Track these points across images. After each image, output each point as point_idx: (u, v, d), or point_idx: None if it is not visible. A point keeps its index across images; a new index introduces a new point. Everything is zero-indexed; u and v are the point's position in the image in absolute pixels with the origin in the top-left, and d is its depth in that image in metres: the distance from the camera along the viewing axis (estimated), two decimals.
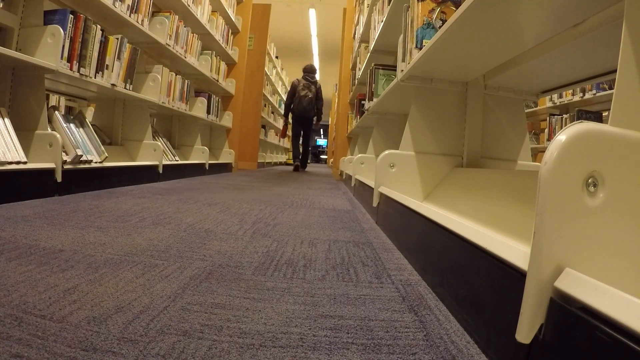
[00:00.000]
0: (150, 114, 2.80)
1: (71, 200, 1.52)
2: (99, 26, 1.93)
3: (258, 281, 0.75)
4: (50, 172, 1.57)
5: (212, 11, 3.76)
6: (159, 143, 2.65)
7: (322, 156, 19.11)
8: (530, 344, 0.40)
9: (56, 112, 1.78)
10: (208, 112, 3.70)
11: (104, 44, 1.99)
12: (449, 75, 1.41)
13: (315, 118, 5.80)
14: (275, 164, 8.95)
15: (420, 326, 0.59)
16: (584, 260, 0.40)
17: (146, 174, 2.47)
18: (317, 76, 6.04)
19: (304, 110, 5.63)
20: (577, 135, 0.41)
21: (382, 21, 2.29)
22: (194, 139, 3.58)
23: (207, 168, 3.65)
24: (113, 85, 2.11)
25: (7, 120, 1.49)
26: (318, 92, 5.76)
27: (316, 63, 11.08)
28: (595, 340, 0.33)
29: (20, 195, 1.42)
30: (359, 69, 3.61)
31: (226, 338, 0.51)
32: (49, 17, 1.69)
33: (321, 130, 20.63)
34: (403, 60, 1.52)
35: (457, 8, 1.20)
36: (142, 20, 2.39)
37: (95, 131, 2.03)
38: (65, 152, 1.71)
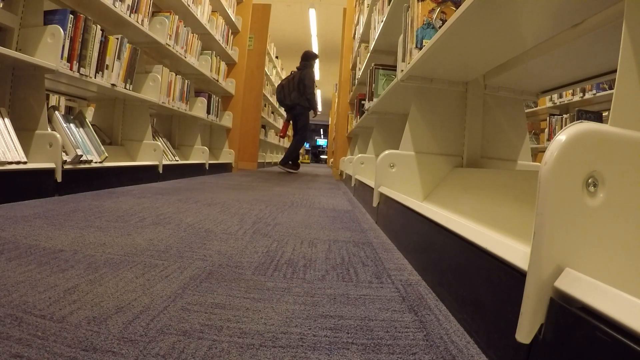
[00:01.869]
0: (150, 114, 2.80)
1: (71, 200, 1.52)
2: (99, 26, 1.93)
3: (258, 281, 0.75)
4: (50, 172, 1.57)
5: (212, 11, 3.76)
6: (159, 143, 2.65)
7: (322, 156, 19.12)
8: (530, 344, 0.40)
9: (56, 112, 1.78)
10: (208, 112, 3.70)
11: (104, 44, 1.99)
12: (449, 75, 1.41)
13: (306, 108, 5.06)
14: (276, 164, 8.94)
15: (420, 326, 0.59)
16: (584, 260, 0.40)
17: (146, 174, 2.47)
18: (317, 64, 5.34)
19: (281, 100, 5.15)
20: (577, 135, 0.41)
21: (382, 21, 2.29)
22: (194, 139, 3.58)
23: (207, 168, 3.65)
24: (113, 85, 2.11)
25: (7, 120, 1.49)
26: (302, 77, 4.98)
27: (316, 63, 11.03)
28: (595, 340, 0.33)
29: (20, 195, 1.42)
30: (359, 69, 3.61)
31: (226, 338, 0.51)
32: (49, 17, 1.69)
33: (321, 130, 20.62)
34: (403, 60, 1.51)
35: (457, 8, 1.20)
36: (142, 20, 2.38)
37: (95, 131, 2.03)
38: (65, 152, 1.71)
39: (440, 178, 1.44)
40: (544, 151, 0.46)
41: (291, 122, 5.29)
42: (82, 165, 1.78)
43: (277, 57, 8.31)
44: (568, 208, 0.40)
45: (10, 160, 1.41)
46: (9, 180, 1.37)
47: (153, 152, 2.56)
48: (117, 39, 2.12)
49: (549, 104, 4.13)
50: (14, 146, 1.46)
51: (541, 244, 0.40)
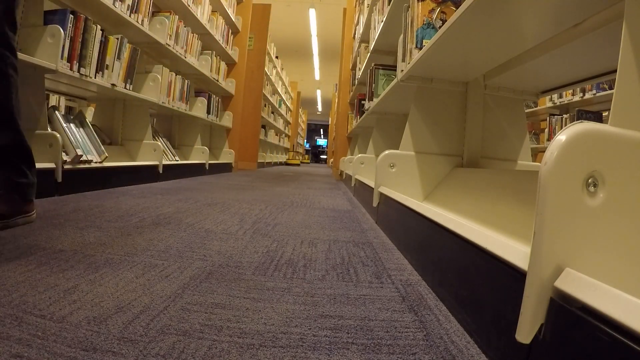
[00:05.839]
0: (150, 114, 2.80)
1: (71, 200, 1.52)
2: (99, 26, 1.93)
3: (258, 281, 0.75)
4: (50, 172, 1.57)
5: (212, 11, 3.76)
6: (159, 143, 2.65)
7: (322, 156, 19.14)
8: (530, 344, 0.40)
9: (56, 112, 1.78)
10: (208, 112, 3.70)
11: (104, 44, 1.99)
12: (449, 75, 1.41)
13: None
14: (276, 164, 8.95)
15: (420, 326, 0.59)
16: (584, 260, 0.40)
17: (146, 174, 2.47)
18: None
19: None
20: (577, 135, 0.41)
21: (382, 21, 2.29)
22: (194, 139, 3.58)
23: (207, 168, 3.65)
24: (113, 85, 2.11)
25: None
26: None
27: (316, 63, 11.05)
28: (595, 340, 0.33)
29: None
30: (359, 69, 3.61)
31: (226, 338, 0.51)
32: (49, 17, 1.68)
33: (321, 130, 20.61)
34: (403, 60, 1.51)
35: (457, 8, 1.20)
36: (142, 20, 2.38)
37: (95, 131, 2.03)
38: (65, 152, 1.71)
39: (440, 178, 1.44)
40: (544, 151, 0.46)
41: None
42: (82, 165, 1.78)
43: (277, 57, 8.30)
44: (568, 208, 0.40)
45: None
46: None
47: (153, 152, 2.56)
48: (117, 39, 2.12)
49: (549, 104, 4.13)
50: None
51: (541, 244, 0.40)
